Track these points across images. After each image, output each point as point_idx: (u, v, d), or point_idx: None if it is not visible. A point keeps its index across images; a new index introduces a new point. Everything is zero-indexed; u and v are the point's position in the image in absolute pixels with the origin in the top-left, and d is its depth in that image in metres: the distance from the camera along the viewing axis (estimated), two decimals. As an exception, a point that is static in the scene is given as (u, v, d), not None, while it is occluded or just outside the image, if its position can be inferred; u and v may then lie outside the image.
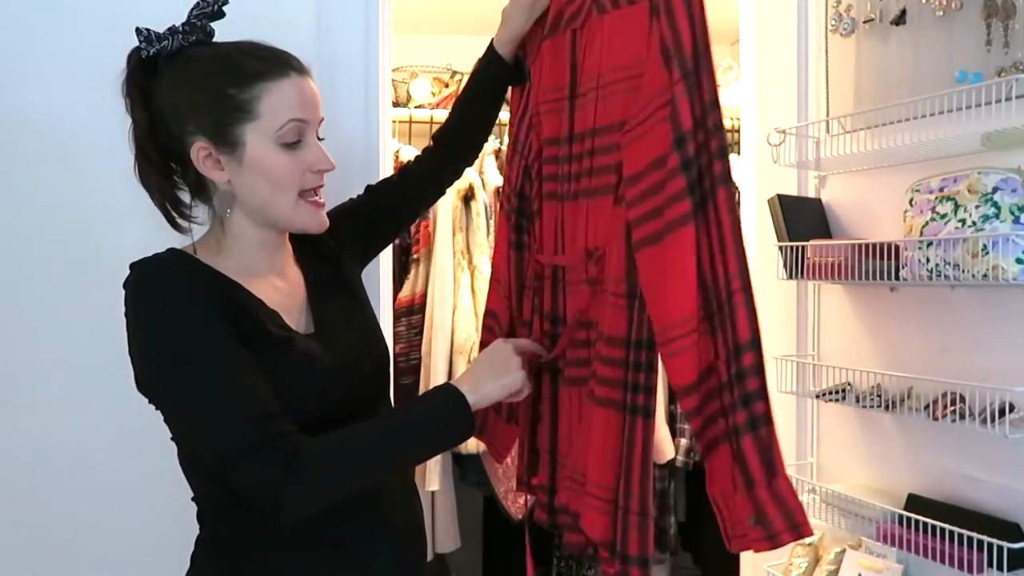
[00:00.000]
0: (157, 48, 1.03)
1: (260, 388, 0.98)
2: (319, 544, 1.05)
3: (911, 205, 1.46)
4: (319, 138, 1.10)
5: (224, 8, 1.07)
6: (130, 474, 1.58)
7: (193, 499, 1.11)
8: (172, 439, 1.06)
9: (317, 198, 1.10)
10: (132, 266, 1.03)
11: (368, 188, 1.37)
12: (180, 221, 1.08)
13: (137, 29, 1.04)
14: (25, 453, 1.57)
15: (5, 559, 1.56)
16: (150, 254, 1.05)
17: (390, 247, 1.73)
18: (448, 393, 1.07)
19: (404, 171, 1.41)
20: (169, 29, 1.05)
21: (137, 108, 1.05)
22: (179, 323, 0.98)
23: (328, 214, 1.22)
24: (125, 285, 1.02)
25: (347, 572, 1.08)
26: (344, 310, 1.19)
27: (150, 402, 1.04)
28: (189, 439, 1.04)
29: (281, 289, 1.12)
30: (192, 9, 1.06)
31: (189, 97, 1.04)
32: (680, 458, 2.40)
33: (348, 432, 1.01)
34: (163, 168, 1.07)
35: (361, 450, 1.00)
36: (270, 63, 1.05)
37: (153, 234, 1.07)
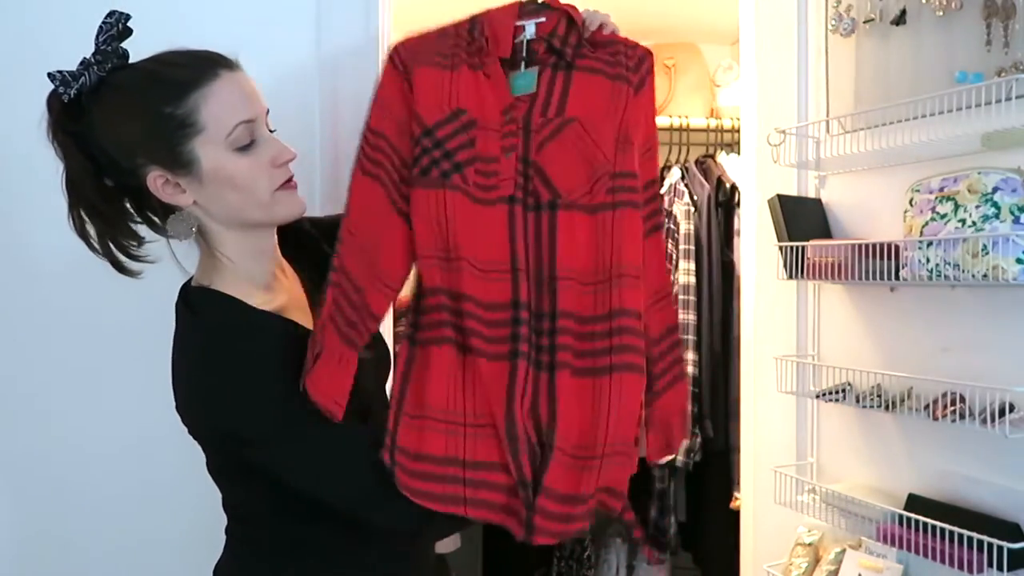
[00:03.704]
0: (76, 87, 0.97)
1: (359, 427, 1.05)
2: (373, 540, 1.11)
3: (911, 205, 1.46)
4: (270, 130, 1.06)
5: (130, 24, 1.00)
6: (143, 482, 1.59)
7: (226, 506, 1.12)
8: (204, 451, 1.07)
9: (289, 185, 1.06)
10: (192, 322, 1.02)
11: None
12: (129, 265, 1.03)
13: (50, 74, 0.97)
14: (26, 459, 1.57)
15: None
16: (194, 300, 1.03)
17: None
18: None
19: None
20: (82, 63, 0.98)
21: (72, 154, 0.99)
22: (280, 386, 0.99)
23: (326, 220, 1.22)
24: (187, 344, 1.01)
25: (394, 557, 1.14)
26: None
27: (227, 454, 1.04)
28: (308, 488, 1.03)
29: (286, 293, 1.11)
30: (97, 35, 0.99)
31: (127, 128, 0.98)
32: (680, 458, 2.40)
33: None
34: (109, 210, 1.02)
35: None
36: (196, 68, 0.99)
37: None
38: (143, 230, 1.06)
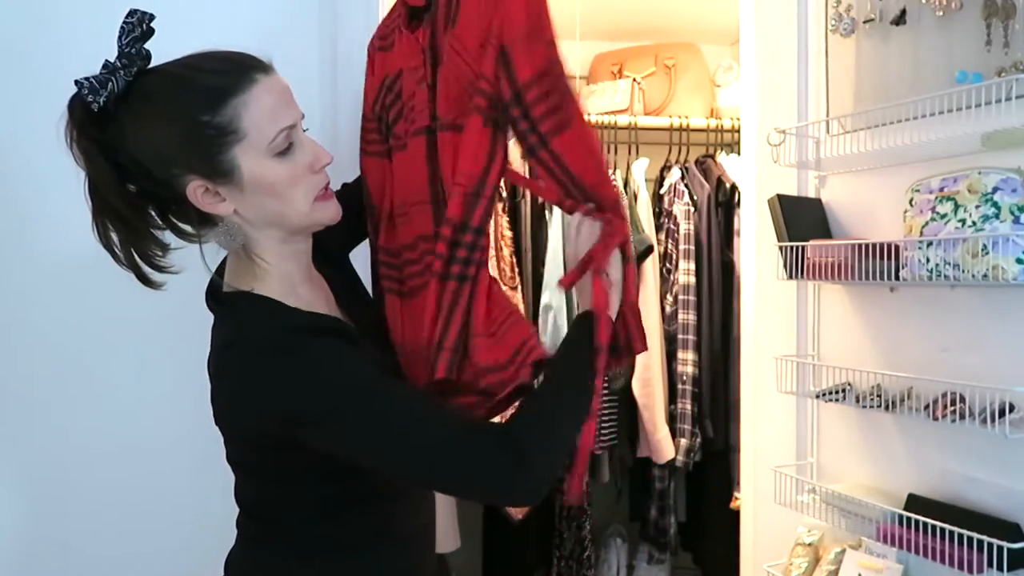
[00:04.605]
0: (106, 94, 0.93)
1: (428, 396, 1.04)
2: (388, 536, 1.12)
3: (911, 205, 1.46)
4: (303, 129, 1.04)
5: (153, 25, 0.96)
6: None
7: (242, 501, 1.11)
8: (234, 447, 1.06)
9: (325, 192, 1.06)
10: (241, 324, 1.00)
11: (344, 185, 1.35)
12: (152, 276, 1.00)
13: (77, 81, 0.93)
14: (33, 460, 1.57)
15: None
16: (238, 304, 1.01)
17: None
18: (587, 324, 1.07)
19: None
20: (107, 69, 0.94)
21: (96, 162, 0.95)
22: (342, 369, 0.96)
23: None
24: (237, 345, 0.98)
25: (399, 555, 1.14)
26: (366, 308, 1.21)
27: (296, 440, 0.98)
28: (392, 468, 0.99)
29: (320, 294, 1.12)
30: (120, 36, 0.95)
31: (164, 137, 0.95)
32: (680, 458, 2.40)
33: (539, 398, 1.02)
34: (136, 219, 0.99)
35: (558, 409, 1.01)
36: (232, 74, 0.96)
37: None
38: (167, 236, 1.04)
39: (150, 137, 0.95)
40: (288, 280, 1.06)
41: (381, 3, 1.64)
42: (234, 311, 1.02)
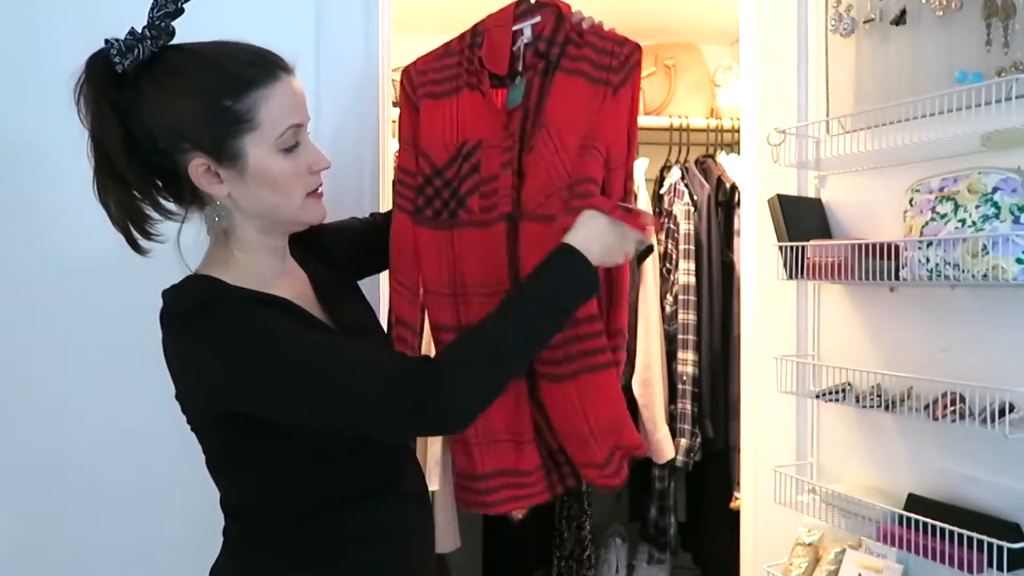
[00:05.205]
0: (132, 59, 0.96)
1: (357, 344, 1.05)
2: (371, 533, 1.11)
3: (911, 205, 1.46)
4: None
5: (184, 6, 0.99)
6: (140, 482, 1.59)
7: (226, 507, 1.11)
8: (208, 445, 1.07)
9: (316, 192, 1.09)
10: (165, 312, 1.01)
11: (373, 215, 1.40)
12: (142, 242, 1.02)
13: (108, 41, 0.97)
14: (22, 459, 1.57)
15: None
16: (183, 283, 1.02)
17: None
18: (568, 258, 1.08)
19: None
20: (134, 36, 0.97)
21: (105, 122, 0.97)
22: (269, 335, 0.97)
23: (330, 227, 1.23)
24: (181, 327, 0.99)
25: (397, 555, 1.13)
26: (354, 307, 1.21)
27: (250, 415, 0.99)
28: (338, 422, 1.00)
29: (293, 289, 1.12)
30: (152, 9, 0.98)
31: (183, 111, 0.98)
32: (680, 458, 2.40)
33: (477, 327, 1.05)
34: (136, 183, 1.01)
35: (493, 339, 1.03)
36: (260, 67, 1.01)
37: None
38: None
39: (170, 108, 0.98)
40: (259, 273, 1.07)
41: (380, 11, 1.64)
42: (172, 290, 1.03)
